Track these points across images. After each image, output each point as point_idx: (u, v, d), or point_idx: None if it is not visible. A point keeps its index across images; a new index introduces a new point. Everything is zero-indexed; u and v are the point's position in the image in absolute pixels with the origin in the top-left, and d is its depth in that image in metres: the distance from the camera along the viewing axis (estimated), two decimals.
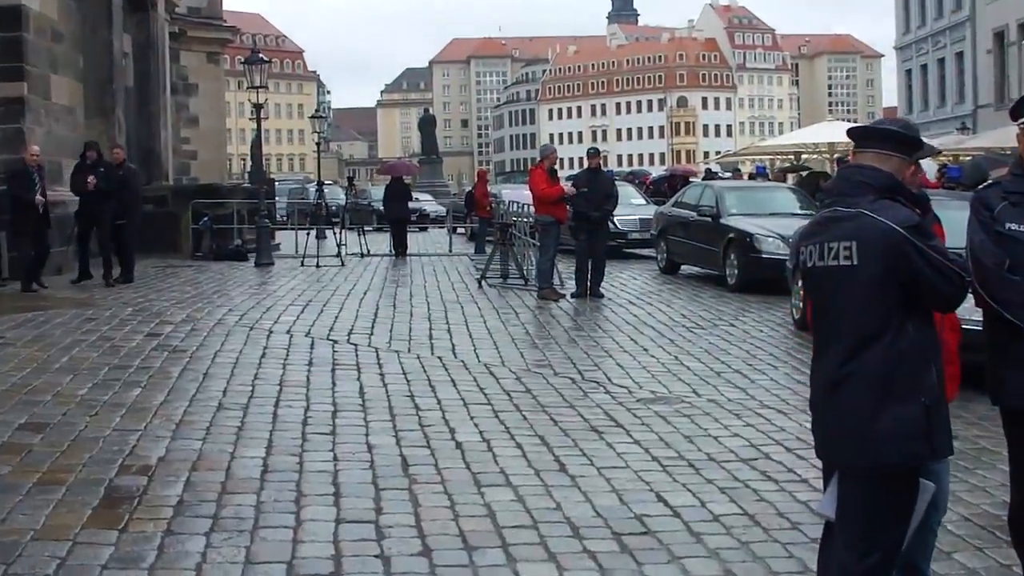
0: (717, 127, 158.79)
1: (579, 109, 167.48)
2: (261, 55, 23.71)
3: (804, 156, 36.07)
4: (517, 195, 23.82)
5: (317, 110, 60.70)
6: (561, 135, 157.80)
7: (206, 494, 6.27)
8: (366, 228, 27.74)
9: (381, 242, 26.64)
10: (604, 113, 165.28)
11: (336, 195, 40.17)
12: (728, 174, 40.45)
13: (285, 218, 33.94)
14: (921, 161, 4.31)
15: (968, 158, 28.65)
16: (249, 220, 23.40)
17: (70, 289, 15.95)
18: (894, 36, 61.04)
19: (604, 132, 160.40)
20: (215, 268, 20.33)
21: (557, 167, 16.83)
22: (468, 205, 30.02)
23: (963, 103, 49.37)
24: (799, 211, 18.17)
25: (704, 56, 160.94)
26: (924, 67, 54.78)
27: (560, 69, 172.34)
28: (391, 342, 11.93)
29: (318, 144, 45.52)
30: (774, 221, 17.31)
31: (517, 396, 9.23)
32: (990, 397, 4.52)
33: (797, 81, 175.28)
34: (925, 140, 4.28)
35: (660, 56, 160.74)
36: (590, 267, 16.21)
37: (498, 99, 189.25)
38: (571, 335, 12.82)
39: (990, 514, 6.18)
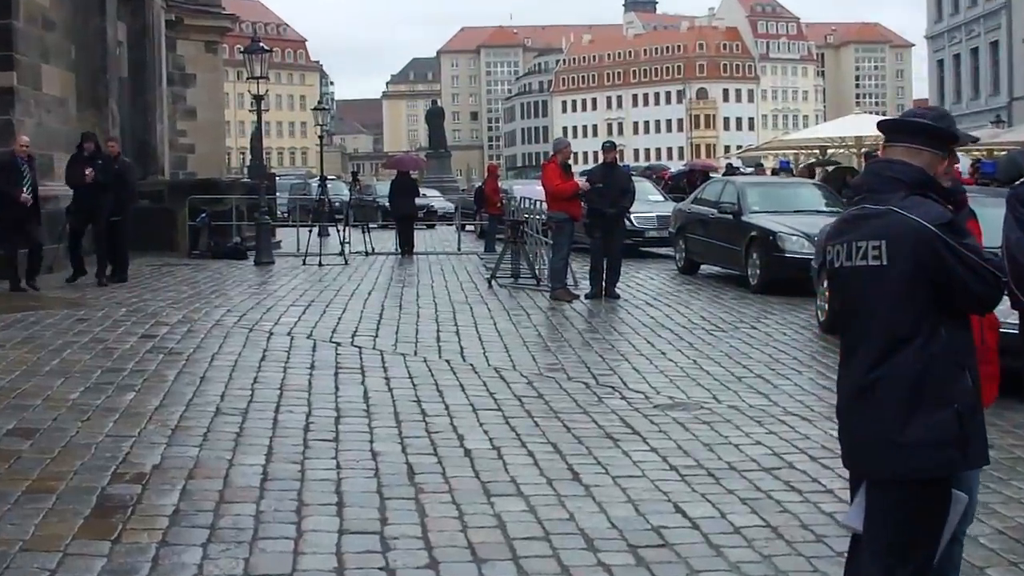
0: (739, 120, 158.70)
1: (594, 101, 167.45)
2: (262, 44, 23.77)
3: (830, 151, 36.04)
4: (529, 191, 23.84)
5: (320, 102, 60.68)
6: (575, 128, 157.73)
7: (203, 503, 6.28)
8: (371, 225, 27.80)
9: (386, 240, 26.67)
10: (620, 105, 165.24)
11: (339, 191, 40.19)
12: (750, 169, 40.41)
13: (286, 215, 33.99)
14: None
15: (1003, 153, 28.55)
16: (249, 217, 23.43)
17: (61, 289, 15.98)
18: (925, 24, 60.96)
19: (620, 125, 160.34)
20: (213, 267, 20.36)
21: (571, 162, 16.83)
22: (478, 201, 30.00)
23: (998, 95, 49.26)
24: (825, 208, 18.14)
25: (725, 46, 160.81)
26: (957, 57, 54.68)
27: (574, 59, 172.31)
28: (397, 344, 11.93)
29: (321, 137, 45.70)
30: (798, 219, 17.28)
31: (529, 402, 9.23)
32: None
33: (823, 72, 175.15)
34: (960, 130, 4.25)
35: (679, 46, 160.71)
36: (605, 266, 16.20)
37: (509, 91, 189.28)
38: (585, 338, 12.81)
39: None
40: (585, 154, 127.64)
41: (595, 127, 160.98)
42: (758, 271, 17.08)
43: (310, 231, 24.02)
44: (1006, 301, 4.16)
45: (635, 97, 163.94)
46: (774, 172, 33.26)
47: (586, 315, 14.80)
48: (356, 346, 11.72)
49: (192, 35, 31.60)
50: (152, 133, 26.01)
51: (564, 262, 16.32)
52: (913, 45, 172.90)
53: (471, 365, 10.84)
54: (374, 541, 5.75)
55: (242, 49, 24.65)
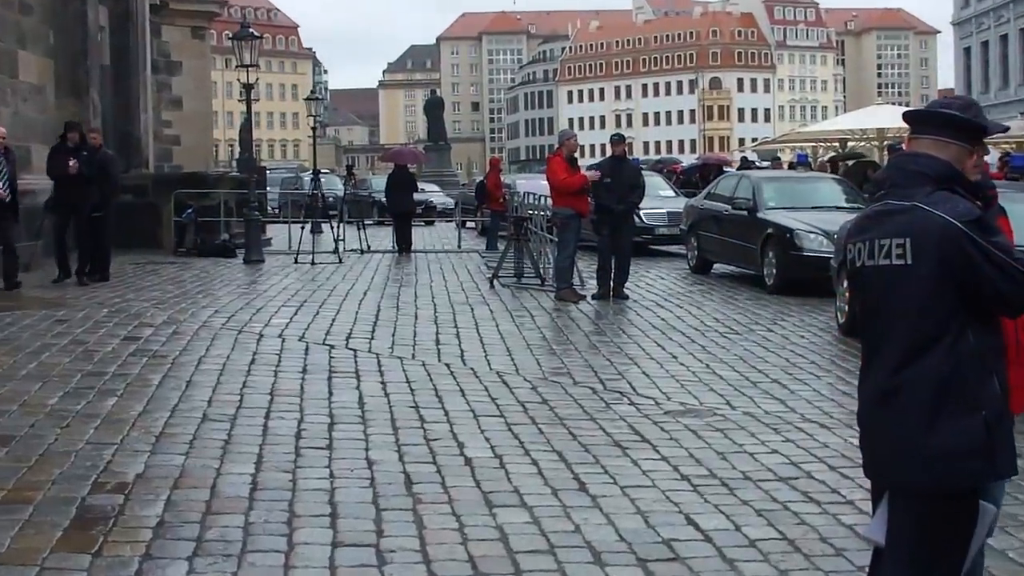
0: (754, 111, 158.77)
1: (601, 91, 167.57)
2: (251, 30, 23.77)
3: (851, 143, 36.03)
4: (533, 186, 23.80)
5: (313, 91, 60.90)
6: (582, 120, 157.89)
7: (189, 514, 6.28)
8: (366, 222, 27.76)
9: (383, 237, 26.68)
10: (629, 96, 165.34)
11: (333, 185, 40.21)
12: (766, 163, 40.39)
13: (277, 210, 34.07)
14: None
15: None
16: (237, 212, 23.44)
17: (41, 288, 15.98)
18: (951, 10, 60.97)
19: (629, 117, 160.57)
20: (199, 265, 20.38)
21: (577, 155, 16.84)
22: (479, 197, 30.02)
23: None
24: (845, 204, 18.15)
25: (740, 33, 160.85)
26: (985, 44, 54.67)
27: (581, 47, 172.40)
28: (393, 347, 11.94)
29: (314, 129, 45.72)
30: (817, 215, 17.29)
31: (533, 407, 9.23)
32: None
33: (843, 60, 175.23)
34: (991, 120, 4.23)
35: (691, 33, 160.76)
36: (613, 265, 16.21)
37: (512, 80, 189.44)
38: (592, 340, 12.82)
39: None
40: (592, 147, 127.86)
41: (603, 118, 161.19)
42: (774, 270, 17.07)
43: (302, 228, 24.07)
44: None
45: (645, 87, 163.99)
46: (791, 166, 33.28)
47: (593, 316, 14.81)
48: (351, 349, 11.73)
49: (178, 20, 31.62)
50: (135, 123, 26.03)
51: (570, 261, 16.32)
52: (939, 32, 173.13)
53: (472, 369, 10.84)
54: (369, 554, 5.75)
55: (231, 35, 24.70)
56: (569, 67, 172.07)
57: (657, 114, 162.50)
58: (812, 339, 12.98)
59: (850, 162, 31.95)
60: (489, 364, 11.12)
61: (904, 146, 4.27)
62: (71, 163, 16.29)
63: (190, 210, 22.91)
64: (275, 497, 6.62)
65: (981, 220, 3.79)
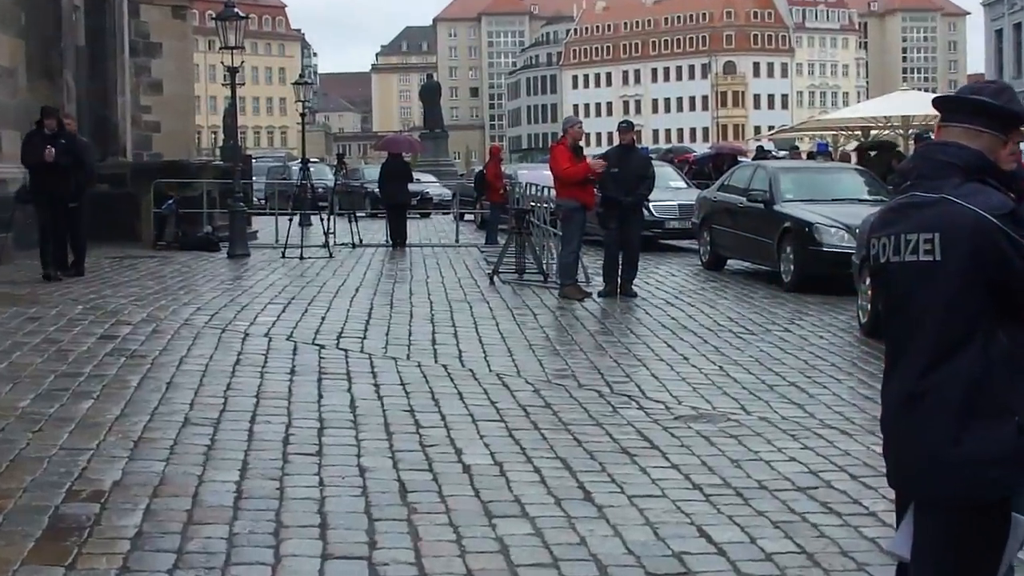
0: (771, 97, 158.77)
1: (609, 76, 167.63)
2: (236, 10, 23.74)
3: (874, 132, 36.00)
4: (535, 176, 23.84)
5: (301, 75, 60.79)
6: (587, 106, 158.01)
7: (169, 524, 6.28)
8: (358, 214, 27.79)
9: (376, 230, 26.70)
10: (638, 81, 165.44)
11: (323, 175, 40.20)
12: (783, 153, 40.42)
13: (263, 201, 34.04)
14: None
15: None
16: (221, 204, 23.46)
17: (10, 284, 15.98)
18: None
19: (638, 103, 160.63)
20: (181, 259, 20.38)
21: (582, 143, 16.82)
22: (478, 188, 30.02)
23: None
24: (867, 197, 18.18)
25: (756, 14, 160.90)
26: (1017, 26, 54.68)
27: (587, 29, 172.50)
28: (387, 347, 11.95)
29: (302, 115, 45.58)
30: (838, 208, 17.31)
31: (535, 412, 9.23)
32: None
33: (865, 43, 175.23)
34: None
35: (704, 14, 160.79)
36: (621, 261, 16.21)
37: (514, 64, 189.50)
38: (598, 341, 12.83)
39: None
40: (599, 135, 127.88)
41: (610, 105, 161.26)
42: (792, 267, 17.08)
43: (290, 220, 24.06)
44: None
45: (655, 71, 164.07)
46: (810, 156, 33.31)
47: (599, 315, 14.82)
48: (342, 349, 11.74)
49: None
50: (112, 108, 26.03)
51: (575, 256, 16.31)
52: (968, 13, 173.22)
53: (470, 371, 10.85)
54: (361, 567, 5.76)
55: (214, 15, 24.66)
56: (574, 50, 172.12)
57: (668, 100, 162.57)
58: (832, 340, 12.99)
59: (873, 152, 31.96)
60: (489, 365, 11.13)
61: (933, 135, 4.25)
62: (48, 150, 16.26)
63: (171, 201, 22.89)
64: (261, 506, 6.62)
65: (1015, 213, 3.78)
